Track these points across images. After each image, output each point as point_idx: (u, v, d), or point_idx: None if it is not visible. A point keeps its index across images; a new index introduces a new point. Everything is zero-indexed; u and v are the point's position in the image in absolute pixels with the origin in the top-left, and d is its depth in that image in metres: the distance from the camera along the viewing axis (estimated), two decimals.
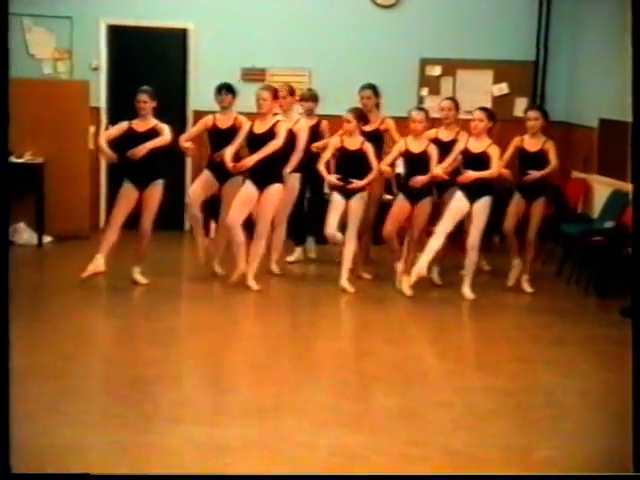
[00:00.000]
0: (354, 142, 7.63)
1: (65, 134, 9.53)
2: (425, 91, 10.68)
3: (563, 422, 5.05)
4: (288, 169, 7.70)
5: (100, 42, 10.36)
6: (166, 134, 7.49)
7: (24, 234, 9.60)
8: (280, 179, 7.57)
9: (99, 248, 7.51)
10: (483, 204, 7.49)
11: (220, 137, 7.80)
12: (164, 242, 8.77)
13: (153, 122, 7.59)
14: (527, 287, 7.97)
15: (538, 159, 7.77)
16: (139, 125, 7.59)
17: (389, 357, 6.12)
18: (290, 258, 8.78)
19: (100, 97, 10.34)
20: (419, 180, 7.46)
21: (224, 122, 7.84)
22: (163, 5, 10.35)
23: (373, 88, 8.25)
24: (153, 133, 7.52)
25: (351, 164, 7.64)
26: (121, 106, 10.41)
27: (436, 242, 7.49)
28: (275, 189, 7.53)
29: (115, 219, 7.63)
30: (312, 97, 8.54)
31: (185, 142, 7.89)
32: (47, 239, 9.63)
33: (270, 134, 7.44)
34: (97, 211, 10.51)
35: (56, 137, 9.47)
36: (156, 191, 7.57)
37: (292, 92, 8.26)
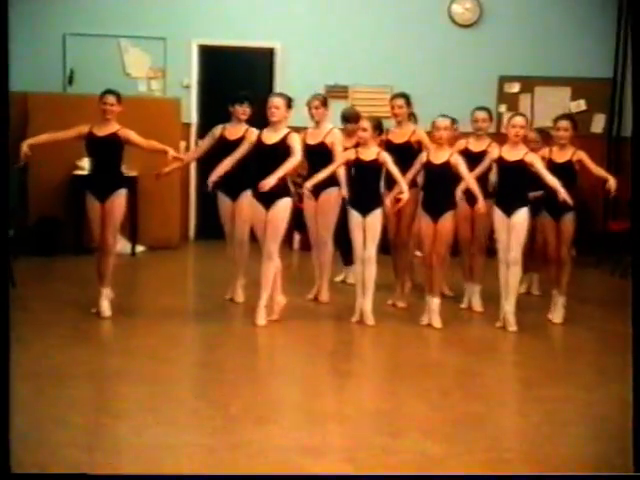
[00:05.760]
0: (369, 153, 6.95)
1: None
2: (503, 108, 10.89)
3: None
4: (312, 181, 7.04)
5: (192, 61, 10.86)
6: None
7: (118, 244, 10.03)
8: (288, 192, 6.91)
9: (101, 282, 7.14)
10: (521, 217, 6.92)
11: (229, 150, 7.22)
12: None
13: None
14: (557, 317, 7.32)
15: (567, 170, 7.09)
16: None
17: (468, 367, 6.16)
18: (338, 278, 8.38)
19: (191, 113, 10.82)
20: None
21: (234, 134, 7.44)
22: (251, 26, 10.76)
23: (405, 97, 7.56)
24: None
25: (368, 177, 6.98)
26: (210, 122, 10.87)
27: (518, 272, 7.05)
28: (283, 204, 6.83)
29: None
30: (354, 116, 7.91)
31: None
32: (140, 248, 10.10)
33: (281, 146, 6.76)
34: (187, 222, 10.98)
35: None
36: (118, 201, 7.00)
37: (325, 103, 7.68)
